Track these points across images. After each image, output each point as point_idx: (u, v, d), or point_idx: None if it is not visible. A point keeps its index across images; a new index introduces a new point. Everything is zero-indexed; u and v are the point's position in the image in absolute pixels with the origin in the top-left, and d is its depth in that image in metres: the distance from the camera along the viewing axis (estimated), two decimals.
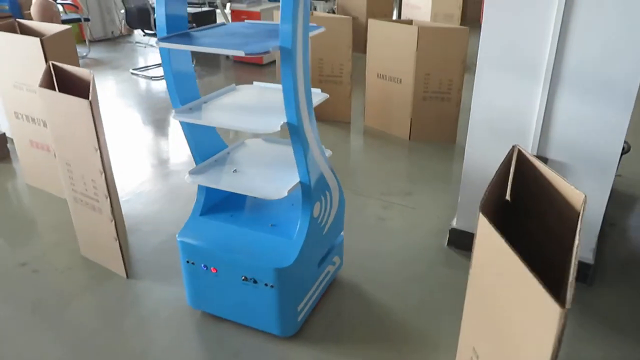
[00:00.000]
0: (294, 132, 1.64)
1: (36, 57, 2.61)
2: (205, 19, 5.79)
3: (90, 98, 2.01)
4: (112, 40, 7.19)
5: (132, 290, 2.25)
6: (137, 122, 4.36)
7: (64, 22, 5.26)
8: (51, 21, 3.45)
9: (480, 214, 1.19)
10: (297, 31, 1.51)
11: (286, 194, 1.72)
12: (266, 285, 1.80)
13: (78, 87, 2.21)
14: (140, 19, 5.30)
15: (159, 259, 2.46)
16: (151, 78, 5.49)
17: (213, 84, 5.30)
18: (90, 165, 2.13)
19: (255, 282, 1.81)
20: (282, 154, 2.06)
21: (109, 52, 6.57)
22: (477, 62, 2.15)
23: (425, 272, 2.37)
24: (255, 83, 2.10)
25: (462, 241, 2.50)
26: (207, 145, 2.00)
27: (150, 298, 2.20)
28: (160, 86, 5.28)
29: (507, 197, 1.51)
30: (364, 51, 3.90)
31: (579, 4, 1.88)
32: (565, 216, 1.33)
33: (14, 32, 2.94)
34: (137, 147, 3.82)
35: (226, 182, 1.85)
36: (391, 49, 3.68)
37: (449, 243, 2.54)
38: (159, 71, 5.70)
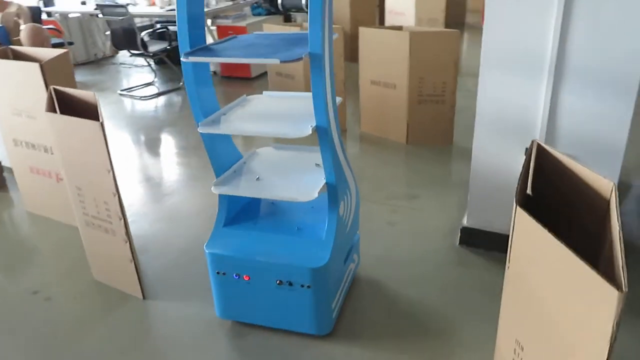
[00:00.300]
0: (323, 135, 1.67)
1: (35, 83, 2.59)
2: None
3: (100, 120, 2.01)
4: (96, 62, 7.15)
5: (151, 311, 2.22)
6: (129, 142, 4.33)
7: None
8: (42, 46, 3.42)
9: (518, 207, 1.21)
10: (325, 38, 1.55)
11: (317, 195, 1.75)
12: (302, 286, 1.81)
13: (80, 110, 2.20)
14: (127, 39, 5.28)
15: (172, 276, 2.44)
16: (140, 98, 5.46)
17: None
18: (103, 187, 2.11)
19: (290, 284, 1.82)
20: (296, 160, 2.09)
21: (94, 75, 6.53)
22: (481, 61, 2.19)
23: (440, 271, 2.39)
24: (264, 92, 2.12)
25: (473, 239, 2.53)
26: (226, 156, 2.03)
27: (172, 316, 2.18)
28: (150, 106, 5.25)
29: (528, 190, 1.54)
30: (351, 59, 3.90)
31: None
32: (592, 205, 1.36)
33: (7, 59, 2.91)
34: (132, 167, 3.79)
35: (254, 190, 1.87)
36: (384, 55, 3.72)
37: (461, 242, 2.57)
38: (147, 91, 5.67)
